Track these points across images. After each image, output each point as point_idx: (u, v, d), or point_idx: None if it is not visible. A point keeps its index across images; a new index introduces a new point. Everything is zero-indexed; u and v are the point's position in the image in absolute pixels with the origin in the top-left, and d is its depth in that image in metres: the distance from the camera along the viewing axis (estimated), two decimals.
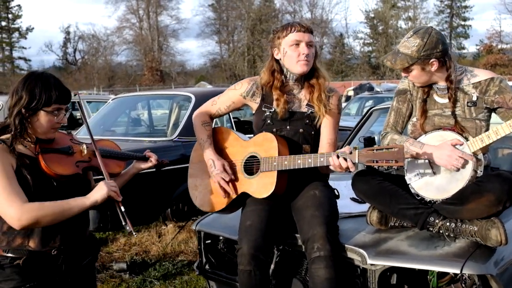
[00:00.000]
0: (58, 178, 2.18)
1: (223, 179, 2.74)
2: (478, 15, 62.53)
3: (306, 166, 2.56)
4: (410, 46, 2.55)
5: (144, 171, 2.59)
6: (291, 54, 2.74)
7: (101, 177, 2.26)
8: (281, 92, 2.78)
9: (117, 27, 52.66)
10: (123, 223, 2.25)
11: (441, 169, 2.51)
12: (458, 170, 2.44)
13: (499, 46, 45.03)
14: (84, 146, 2.33)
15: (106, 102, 6.51)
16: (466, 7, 52.87)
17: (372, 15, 51.81)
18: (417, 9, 52.05)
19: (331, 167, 2.51)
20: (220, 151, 2.89)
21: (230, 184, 2.76)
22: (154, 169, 2.67)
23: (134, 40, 53.21)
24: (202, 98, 5.30)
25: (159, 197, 4.95)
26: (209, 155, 2.82)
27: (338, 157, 2.45)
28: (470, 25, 53.71)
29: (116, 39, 52.91)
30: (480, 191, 2.32)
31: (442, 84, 2.64)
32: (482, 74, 2.62)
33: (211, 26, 54.59)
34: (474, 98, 2.58)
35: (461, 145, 2.48)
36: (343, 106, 14.73)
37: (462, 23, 53.39)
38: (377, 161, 2.34)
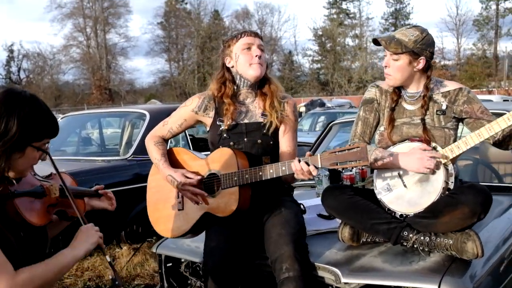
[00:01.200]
0: (28, 228, 1.76)
1: (189, 185, 2.59)
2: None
3: (269, 177, 2.45)
4: (408, 34, 2.52)
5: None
6: (244, 58, 2.69)
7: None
8: (231, 101, 2.70)
9: (63, 45, 51.54)
10: (111, 277, 1.85)
11: (412, 182, 2.45)
12: (433, 173, 2.39)
13: (442, 62, 46.62)
14: (56, 185, 1.90)
15: None
16: (409, 25, 54.49)
17: (320, 33, 52.73)
18: (363, 27, 53.42)
19: (294, 175, 2.41)
20: None
21: (193, 205, 2.61)
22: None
23: (81, 58, 52.13)
24: (157, 115, 5.14)
25: (113, 219, 4.71)
26: (166, 171, 2.68)
27: (299, 161, 2.36)
28: None
29: (63, 57, 51.76)
30: (454, 204, 2.27)
31: (412, 90, 2.61)
32: (451, 85, 2.61)
33: (160, 44, 54.24)
34: (444, 107, 2.55)
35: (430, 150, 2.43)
36: None
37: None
38: (340, 163, 2.26)
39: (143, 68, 75.34)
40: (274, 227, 2.45)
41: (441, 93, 2.58)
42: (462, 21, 49.37)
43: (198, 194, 2.59)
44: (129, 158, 4.91)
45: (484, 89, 36.08)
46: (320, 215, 2.95)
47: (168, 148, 2.84)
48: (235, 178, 2.51)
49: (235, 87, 2.74)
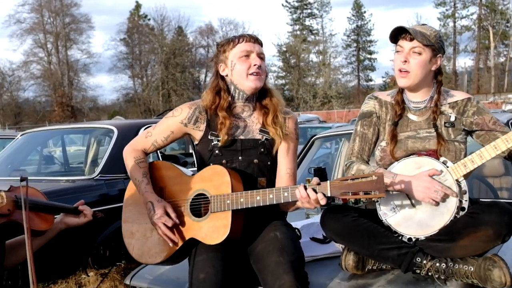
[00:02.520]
0: None
1: (165, 224, 2.28)
2: (382, 49, 65.99)
3: (268, 203, 2.16)
4: (428, 29, 2.31)
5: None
6: (241, 67, 2.37)
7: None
8: (227, 114, 2.39)
9: (23, 61, 50.25)
10: None
11: (421, 201, 2.20)
12: (437, 204, 2.14)
13: None
14: (3, 194, 1.83)
15: (14, 138, 5.80)
16: (371, 41, 55.56)
17: (284, 49, 53.02)
18: (327, 43, 54.02)
19: (298, 203, 2.13)
20: (161, 190, 2.43)
21: (174, 230, 2.30)
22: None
23: (42, 75, 50.93)
24: (125, 131, 4.79)
25: (80, 244, 4.33)
26: (147, 197, 2.35)
27: (305, 188, 2.08)
28: (376, 58, 56.51)
29: (23, 73, 50.46)
30: (475, 224, 2.02)
31: (417, 98, 2.37)
32: (458, 94, 2.39)
33: (123, 60, 53.52)
34: (452, 119, 2.32)
35: (442, 172, 2.18)
36: None
37: (368, 56, 56.00)
38: (354, 193, 1.99)
39: (106, 84, 74.42)
40: (271, 254, 2.16)
41: (449, 103, 2.36)
42: None
43: (168, 236, 2.29)
44: (96, 178, 4.51)
45: None
46: (313, 239, 2.67)
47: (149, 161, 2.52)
48: (228, 202, 2.21)
49: (231, 99, 2.44)
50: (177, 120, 2.46)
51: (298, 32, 54.38)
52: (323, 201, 2.06)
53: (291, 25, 55.31)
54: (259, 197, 2.17)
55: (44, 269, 4.12)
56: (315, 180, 2.08)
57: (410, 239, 2.18)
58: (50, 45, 50.74)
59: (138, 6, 54.62)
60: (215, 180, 2.29)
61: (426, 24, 2.37)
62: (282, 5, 55.23)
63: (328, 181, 2.06)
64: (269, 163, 2.41)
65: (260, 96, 2.47)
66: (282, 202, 2.14)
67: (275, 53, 53.99)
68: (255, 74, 2.37)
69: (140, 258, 2.40)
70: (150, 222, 2.33)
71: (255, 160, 2.39)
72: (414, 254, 2.11)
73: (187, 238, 2.30)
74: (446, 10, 50.04)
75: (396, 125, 2.36)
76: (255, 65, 2.37)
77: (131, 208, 2.49)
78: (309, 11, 55.08)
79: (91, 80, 68.71)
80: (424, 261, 2.09)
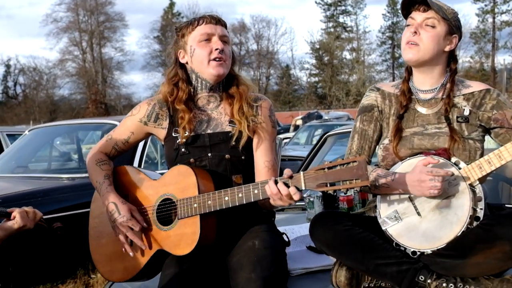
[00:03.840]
0: None
1: (132, 228, 2.02)
2: None
3: (237, 203, 1.88)
4: (445, 4, 2.02)
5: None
6: (201, 53, 2.10)
7: None
8: (186, 107, 2.12)
9: (59, 59, 51.04)
10: None
11: (427, 208, 1.88)
12: (454, 195, 1.82)
13: None
14: None
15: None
16: None
17: (318, 46, 52.43)
18: (361, 40, 53.19)
19: (270, 200, 1.84)
20: (125, 198, 2.16)
21: (143, 236, 2.04)
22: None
23: (77, 72, 51.66)
24: None
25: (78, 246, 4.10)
26: (109, 198, 2.10)
27: (276, 182, 1.78)
28: None
29: (59, 71, 51.30)
30: (489, 239, 1.69)
31: (425, 86, 2.05)
32: (475, 85, 2.06)
33: (156, 58, 53.80)
34: (466, 113, 1.98)
35: (451, 175, 1.85)
36: (291, 136, 14.35)
37: None
38: (332, 184, 1.68)
39: (140, 82, 74.95)
40: (242, 269, 1.85)
41: (463, 95, 2.03)
42: None
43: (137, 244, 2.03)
44: None
45: None
46: (310, 248, 2.36)
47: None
48: (195, 205, 1.94)
49: (192, 90, 2.17)
50: (136, 119, 2.21)
51: (332, 29, 53.63)
52: (296, 196, 1.77)
53: (324, 22, 54.57)
54: (228, 198, 1.89)
55: (51, 269, 3.93)
56: (287, 172, 1.78)
57: (414, 252, 1.86)
58: (85, 43, 51.42)
59: (172, 4, 54.90)
60: (180, 182, 2.02)
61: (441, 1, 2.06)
62: (316, 2, 54.56)
63: (302, 172, 1.76)
64: (243, 157, 2.12)
65: (226, 85, 2.19)
66: (253, 200, 1.85)
67: (308, 51, 53.52)
68: (217, 59, 2.09)
69: (109, 275, 2.18)
70: (111, 226, 2.08)
71: (227, 156, 2.10)
72: (416, 271, 1.78)
73: (154, 250, 2.04)
74: (485, 5, 48.57)
75: (401, 118, 2.04)
76: (216, 49, 2.09)
77: (97, 220, 2.25)
78: (343, 8, 54.27)
79: (124, 77, 69.51)
80: (429, 280, 1.77)
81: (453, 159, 1.90)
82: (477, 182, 1.84)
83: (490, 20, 48.78)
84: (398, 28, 53.89)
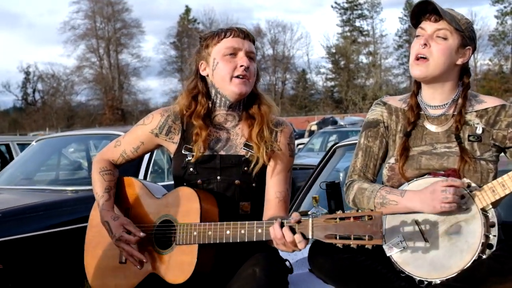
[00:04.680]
0: None
1: (127, 243, 1.91)
2: None
3: (238, 240, 1.76)
4: (459, 14, 1.87)
5: None
6: (224, 67, 1.96)
7: None
8: (204, 123, 1.99)
9: (76, 66, 51.48)
10: None
11: (435, 234, 1.73)
12: (465, 220, 1.68)
13: None
14: None
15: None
16: None
17: (334, 51, 52.17)
18: (377, 44, 52.82)
19: (273, 243, 1.71)
20: (126, 212, 2.06)
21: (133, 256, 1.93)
22: None
23: (94, 79, 52.11)
24: None
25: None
26: (104, 216, 1.99)
27: (282, 225, 1.65)
28: None
29: (76, 78, 51.78)
30: (504, 273, 1.56)
31: (435, 102, 1.90)
32: (489, 101, 1.90)
33: (172, 64, 54.10)
34: (479, 131, 1.83)
35: (463, 198, 1.70)
36: (306, 141, 14.21)
37: None
38: (342, 237, 1.54)
39: (156, 87, 75.37)
40: None
41: (476, 111, 1.88)
42: (478, 36, 48.26)
43: (134, 257, 1.91)
44: None
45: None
46: (312, 271, 2.22)
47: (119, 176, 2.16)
48: (195, 233, 1.83)
49: (210, 104, 2.04)
50: (147, 130, 2.08)
51: (348, 34, 53.35)
52: (301, 245, 1.65)
53: (340, 26, 54.25)
54: (229, 232, 1.78)
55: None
56: (295, 216, 1.65)
57: (421, 281, 1.71)
58: (102, 50, 51.85)
59: (188, 10, 55.16)
60: (183, 206, 1.91)
61: (454, 10, 1.91)
62: (332, 6, 54.36)
63: (310, 219, 1.63)
64: (254, 184, 1.99)
65: (247, 104, 2.05)
66: (255, 240, 1.73)
67: (324, 55, 53.27)
68: (241, 77, 1.95)
69: None
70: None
71: (237, 181, 1.98)
72: None
73: (147, 272, 1.93)
74: (505, 7, 47.92)
75: (408, 136, 1.90)
76: (241, 66, 1.95)
77: (95, 230, 2.13)
78: (359, 12, 53.95)
79: (141, 83, 69.98)
80: None
81: (464, 181, 1.75)
82: (490, 206, 1.70)
83: (510, 22, 48.10)
84: (415, 31, 53.47)
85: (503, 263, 1.58)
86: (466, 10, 48.74)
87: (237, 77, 1.96)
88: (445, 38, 1.82)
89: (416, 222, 1.77)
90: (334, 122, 18.78)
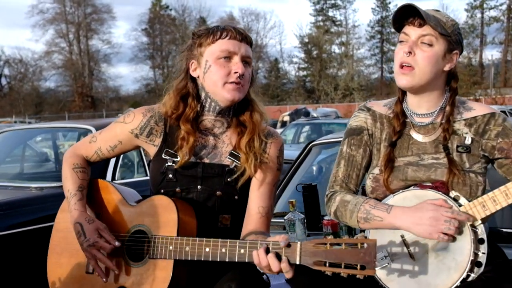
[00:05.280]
0: None
1: (100, 251, 1.78)
2: None
3: (218, 259, 1.64)
4: (444, 16, 1.75)
5: None
6: (217, 72, 1.82)
7: None
8: (192, 128, 1.85)
9: (45, 51, 50.33)
10: None
11: (422, 251, 1.64)
12: (453, 240, 1.58)
13: None
14: None
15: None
16: (395, 33, 54.14)
17: (306, 40, 52.16)
18: (350, 34, 52.98)
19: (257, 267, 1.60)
20: (96, 217, 1.91)
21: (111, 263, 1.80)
22: None
23: (63, 65, 51.03)
24: None
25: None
26: (76, 217, 1.84)
27: (267, 251, 1.53)
28: None
29: (45, 63, 50.63)
30: None
31: (421, 110, 1.80)
32: (478, 108, 1.80)
33: (144, 51, 53.40)
34: (468, 141, 1.74)
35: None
36: (279, 132, 14.08)
37: (392, 48, 54.64)
38: (332, 265, 1.43)
39: (127, 74, 74.32)
40: None
41: (464, 120, 1.78)
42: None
43: (104, 267, 1.79)
44: None
45: (472, 97, 35.72)
46: (289, 281, 2.12)
47: (91, 177, 2.01)
48: (171, 247, 1.70)
49: (200, 109, 1.89)
50: (127, 129, 1.93)
51: (321, 23, 53.35)
52: (288, 275, 1.53)
53: (314, 15, 54.28)
54: (209, 249, 1.66)
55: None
56: (283, 239, 1.53)
57: None
58: (72, 35, 50.78)
59: None
60: (159, 216, 1.78)
61: (440, 11, 1.80)
62: None
63: (299, 243, 1.51)
64: (236, 197, 1.87)
65: (238, 109, 1.91)
66: (236, 261, 1.61)
67: (297, 44, 53.28)
68: (235, 83, 1.81)
69: None
70: (82, 250, 1.84)
71: (218, 192, 1.85)
72: None
73: (117, 285, 1.80)
74: (474, 0, 48.60)
75: (393, 146, 1.79)
76: (236, 72, 1.80)
77: (61, 234, 1.99)
78: (332, 1, 53.94)
79: (112, 70, 68.97)
80: None
81: (453, 194, 1.66)
82: (479, 222, 1.61)
83: (479, 15, 48.85)
84: (387, 23, 53.79)
85: (493, 284, 1.50)
86: (438, 3, 49.28)
87: (231, 83, 1.82)
88: (430, 45, 1.71)
89: (402, 237, 1.67)
90: (307, 113, 18.70)
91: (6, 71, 51.58)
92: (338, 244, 1.42)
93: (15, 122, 30.75)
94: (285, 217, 2.63)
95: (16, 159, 5.26)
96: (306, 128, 12.71)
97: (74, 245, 1.88)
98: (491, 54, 52.16)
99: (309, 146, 3.82)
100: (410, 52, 1.71)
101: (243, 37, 1.85)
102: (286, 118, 19.34)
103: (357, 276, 1.39)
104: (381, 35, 54.33)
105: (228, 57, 1.83)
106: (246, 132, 1.87)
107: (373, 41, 54.40)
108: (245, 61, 1.85)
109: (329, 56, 51.45)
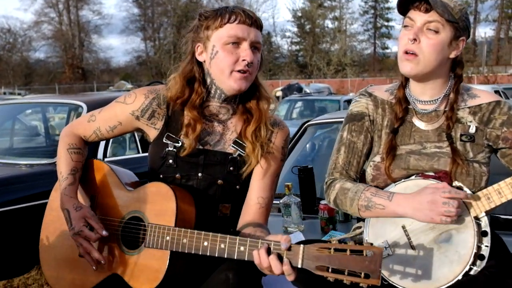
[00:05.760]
0: None
1: (86, 239, 1.72)
2: (400, 17, 64.37)
3: (216, 255, 1.58)
4: (451, 0, 1.66)
5: None
6: (225, 59, 1.72)
7: None
8: (198, 115, 1.77)
9: (34, 21, 49.65)
10: None
11: (424, 241, 1.60)
12: (453, 220, 1.53)
13: None
14: None
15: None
16: (388, 8, 53.89)
17: (300, 14, 51.71)
18: (343, 9, 52.53)
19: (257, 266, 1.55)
20: (91, 200, 1.87)
21: (98, 251, 1.75)
22: None
23: (53, 35, 50.34)
24: (97, 108, 4.20)
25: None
26: (65, 203, 1.78)
27: (269, 251, 1.48)
28: (393, 26, 54.83)
29: (34, 34, 49.93)
30: None
31: (425, 97, 1.73)
32: (483, 96, 1.73)
33: (135, 22, 52.74)
34: (472, 130, 1.68)
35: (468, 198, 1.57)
36: (272, 108, 13.90)
37: (386, 23, 54.40)
38: (335, 271, 1.37)
39: (118, 46, 73.29)
40: None
41: (469, 108, 1.72)
42: None
43: (91, 256, 1.73)
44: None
45: (464, 75, 35.60)
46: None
47: (88, 157, 1.94)
48: (168, 238, 1.64)
49: (205, 94, 1.80)
50: (127, 110, 1.85)
51: None
52: (290, 278, 1.46)
53: None
54: (207, 243, 1.59)
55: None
56: (285, 241, 1.47)
57: None
58: (61, 5, 49.99)
59: None
60: (157, 203, 1.71)
61: None
62: None
63: (301, 246, 1.45)
64: (238, 186, 1.81)
65: (245, 96, 1.82)
66: (236, 258, 1.56)
67: (290, 18, 52.79)
68: (242, 72, 1.72)
69: (52, 282, 1.87)
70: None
71: (219, 181, 1.79)
72: None
73: (109, 272, 1.75)
74: None
75: (395, 133, 1.73)
76: (244, 60, 1.71)
77: (54, 214, 1.92)
78: None
79: (102, 41, 68.15)
80: None
81: (456, 184, 1.62)
82: (483, 214, 1.57)
83: None
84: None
85: (498, 279, 1.47)
86: None
87: (238, 71, 1.72)
88: (436, 32, 1.63)
89: (403, 228, 1.63)
90: (299, 89, 18.62)
91: None
92: (343, 250, 1.37)
93: (4, 93, 30.37)
94: (281, 201, 2.59)
95: (5, 133, 5.16)
96: (299, 104, 12.65)
97: (66, 226, 1.82)
98: (484, 31, 52.08)
99: (304, 126, 3.77)
100: (415, 39, 1.63)
101: (253, 21, 1.73)
102: (279, 94, 19.24)
103: (361, 285, 1.34)
104: (375, 10, 53.95)
105: (237, 43, 1.72)
106: (252, 120, 1.80)
107: (366, 16, 54.02)
108: (255, 46, 1.75)
109: (322, 31, 51.10)
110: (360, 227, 1.76)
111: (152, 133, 1.86)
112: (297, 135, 3.74)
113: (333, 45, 49.94)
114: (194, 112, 1.77)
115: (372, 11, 54.03)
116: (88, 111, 4.11)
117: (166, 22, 52.08)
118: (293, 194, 2.60)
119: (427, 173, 1.67)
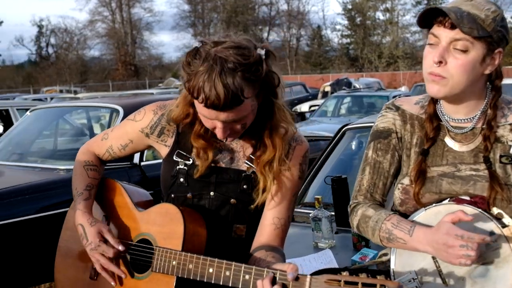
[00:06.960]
0: None
1: (104, 255, 1.66)
2: None
3: (221, 282, 1.48)
4: (481, 7, 1.43)
5: None
6: (204, 122, 1.60)
7: None
8: (206, 142, 1.65)
9: (89, 20, 51.11)
10: None
11: (456, 274, 1.43)
12: (472, 262, 1.36)
13: None
14: None
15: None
16: None
17: (350, 7, 50.85)
18: (395, 0, 51.30)
19: None
20: (103, 220, 1.80)
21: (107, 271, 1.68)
22: None
23: (107, 33, 51.64)
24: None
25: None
26: (78, 218, 1.72)
27: (273, 281, 1.36)
28: None
29: (89, 32, 51.42)
30: None
31: (460, 115, 1.54)
32: None
33: (186, 18, 53.33)
34: None
35: (492, 235, 1.39)
36: (319, 103, 13.64)
37: None
38: None
39: (169, 42, 74.55)
40: None
41: (510, 124, 1.52)
42: None
43: (111, 272, 1.67)
44: None
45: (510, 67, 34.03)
46: None
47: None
48: (174, 263, 1.55)
49: None
50: (137, 127, 1.76)
51: None
52: None
53: None
54: (212, 270, 1.49)
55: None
56: (291, 270, 1.35)
57: None
58: (114, 4, 51.16)
59: None
60: (165, 226, 1.63)
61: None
62: None
63: (309, 278, 1.32)
64: (252, 206, 1.67)
65: (259, 111, 1.62)
66: (240, 287, 1.44)
67: (340, 11, 52.08)
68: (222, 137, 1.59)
69: None
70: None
71: (232, 200, 1.67)
72: None
73: None
74: None
75: (425, 155, 1.56)
76: (219, 134, 1.58)
77: (69, 233, 1.87)
78: None
79: (154, 38, 69.36)
80: None
81: (494, 210, 1.44)
82: None
83: None
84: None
85: None
86: None
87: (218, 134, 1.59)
88: (465, 51, 1.42)
89: (433, 258, 1.47)
90: (348, 84, 18.26)
91: (52, 40, 52.65)
92: (354, 283, 1.23)
93: (61, 91, 31.33)
94: (310, 215, 2.45)
95: (49, 135, 5.23)
96: (347, 99, 12.40)
97: (80, 246, 1.77)
98: None
99: (342, 130, 3.60)
100: (440, 62, 1.43)
101: (223, 105, 1.47)
102: (328, 89, 18.95)
103: None
104: (428, 1, 52.45)
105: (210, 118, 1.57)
106: (266, 151, 1.64)
107: (419, 7, 52.46)
108: (231, 120, 1.53)
109: (373, 23, 50.06)
110: (386, 254, 1.60)
111: (163, 151, 1.76)
112: (334, 140, 3.57)
113: (385, 38, 48.91)
114: (200, 141, 1.66)
115: (425, 1, 52.56)
116: (125, 115, 4.11)
117: (216, 18, 52.42)
118: (326, 205, 2.46)
119: (461, 197, 1.49)
